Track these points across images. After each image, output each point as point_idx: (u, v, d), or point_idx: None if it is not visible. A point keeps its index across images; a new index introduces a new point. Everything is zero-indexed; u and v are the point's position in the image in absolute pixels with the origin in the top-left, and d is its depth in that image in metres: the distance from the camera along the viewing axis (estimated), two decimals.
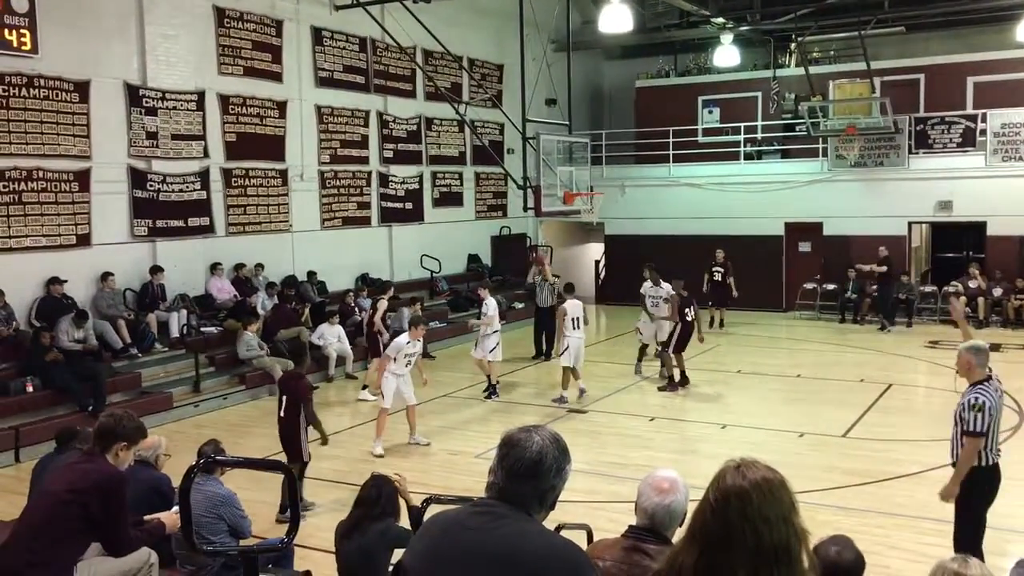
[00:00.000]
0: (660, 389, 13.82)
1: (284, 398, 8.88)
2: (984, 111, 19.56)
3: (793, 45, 22.87)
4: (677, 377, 13.82)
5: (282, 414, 8.81)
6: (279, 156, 16.69)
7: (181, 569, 5.86)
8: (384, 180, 19.15)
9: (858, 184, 20.62)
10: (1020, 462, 9.77)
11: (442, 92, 18.34)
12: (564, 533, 3.22)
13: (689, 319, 13.67)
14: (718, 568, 2.17)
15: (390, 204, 19.30)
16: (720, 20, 20.50)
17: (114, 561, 4.74)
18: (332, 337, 15.27)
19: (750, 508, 2.16)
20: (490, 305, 13.74)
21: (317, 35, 17.36)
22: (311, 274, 17.05)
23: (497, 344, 13.63)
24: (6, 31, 12.22)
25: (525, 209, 15.95)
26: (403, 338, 10.96)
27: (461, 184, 21.48)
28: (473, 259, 21.88)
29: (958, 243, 21.23)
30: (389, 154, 19.23)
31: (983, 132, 19.47)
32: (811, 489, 9.09)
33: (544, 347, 16.77)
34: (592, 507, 8.30)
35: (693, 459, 10.00)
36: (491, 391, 13.64)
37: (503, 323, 19.63)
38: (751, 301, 19.84)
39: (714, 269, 19.06)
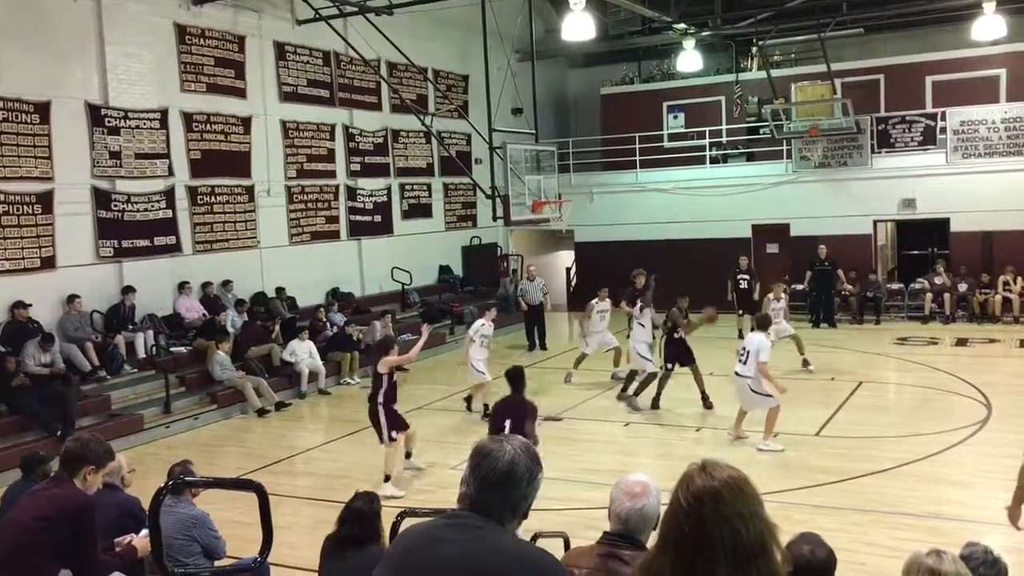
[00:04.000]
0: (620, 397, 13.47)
1: (508, 421, 8.16)
2: (943, 109, 19.85)
3: (754, 49, 23.09)
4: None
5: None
6: (245, 172, 16.58)
7: None
8: (352, 193, 19.09)
9: (823, 185, 20.84)
10: (987, 455, 9.97)
11: (408, 104, 18.35)
12: (541, 541, 3.22)
13: (677, 336, 13.06)
14: (697, 572, 2.16)
15: (359, 217, 19.24)
16: (682, 26, 20.68)
17: None
18: (303, 353, 15.16)
19: (725, 507, 2.15)
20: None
21: (280, 50, 17.30)
22: (280, 290, 16.95)
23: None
24: None
25: (495, 219, 16.00)
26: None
27: (430, 195, 21.46)
28: (444, 270, 21.86)
29: (923, 240, 21.50)
30: (356, 167, 19.18)
31: (943, 130, 19.76)
32: (786, 488, 9.16)
33: (537, 340, 18.46)
34: (568, 515, 8.30)
35: (668, 463, 10.02)
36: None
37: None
38: (720, 303, 19.89)
39: (739, 277, 18.43)
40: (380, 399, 9.89)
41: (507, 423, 8.14)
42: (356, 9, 16.39)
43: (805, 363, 14.95)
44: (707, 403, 12.75)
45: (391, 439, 9.87)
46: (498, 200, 15.21)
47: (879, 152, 20.49)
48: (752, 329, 12.62)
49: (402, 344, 16.91)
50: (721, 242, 20.99)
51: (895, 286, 20.58)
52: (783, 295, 15.93)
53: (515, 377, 8.69)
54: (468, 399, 13.34)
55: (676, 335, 12.73)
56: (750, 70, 23.51)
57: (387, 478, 9.73)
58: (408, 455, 10.49)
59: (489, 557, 2.45)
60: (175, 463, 6.38)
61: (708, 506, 2.16)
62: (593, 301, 15.12)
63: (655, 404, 12.93)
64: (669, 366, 12.81)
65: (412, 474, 10.40)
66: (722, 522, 2.14)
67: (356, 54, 17.12)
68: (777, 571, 2.18)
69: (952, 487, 9.12)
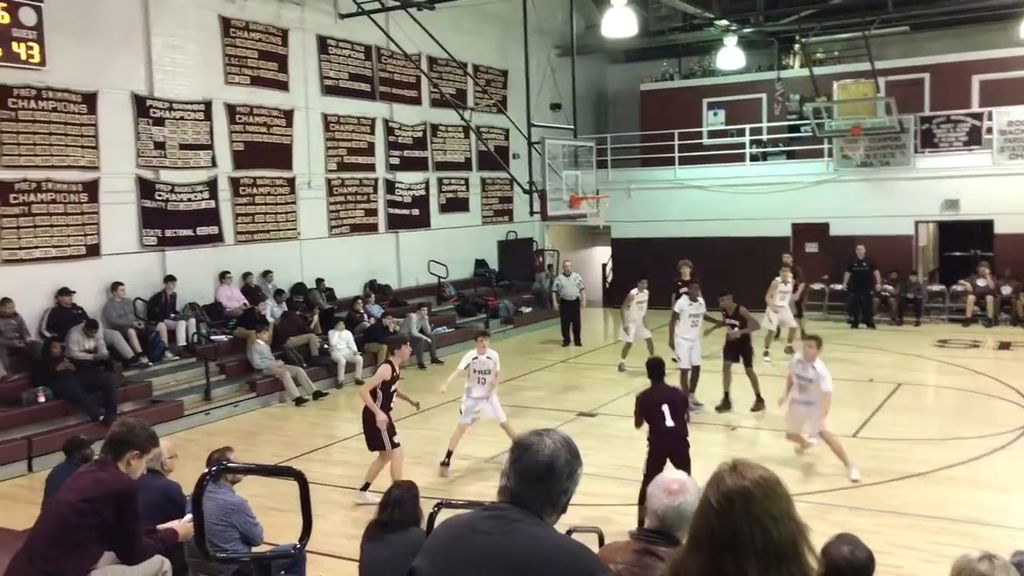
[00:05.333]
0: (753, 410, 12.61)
1: (666, 408, 8.14)
2: (990, 109, 19.53)
3: (797, 46, 22.84)
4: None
5: (671, 423, 8.11)
6: (286, 164, 16.75)
7: None
8: (391, 187, 19.20)
9: (864, 184, 20.59)
10: None
11: (447, 98, 18.40)
12: (575, 536, 3.24)
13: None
14: (727, 572, 2.17)
15: (397, 210, 19.36)
16: (724, 22, 20.52)
17: (128, 569, 4.76)
18: (341, 343, 15.32)
19: (755, 507, 2.16)
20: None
21: (323, 44, 17.43)
22: (319, 281, 17.11)
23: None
24: (15, 44, 12.29)
25: (531, 213, 15.99)
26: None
27: (467, 189, 21.53)
28: (480, 264, 21.93)
29: (966, 242, 21.16)
30: (395, 161, 19.29)
31: (989, 130, 19.44)
32: (822, 489, 9.10)
33: (572, 335, 18.39)
34: (602, 510, 8.31)
35: (703, 461, 9.96)
36: None
37: (510, 328, 19.83)
38: (758, 303, 19.76)
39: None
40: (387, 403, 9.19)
41: (665, 408, 8.07)
42: (398, 3, 16.49)
43: (789, 350, 14.79)
44: (759, 405, 12.32)
45: (394, 444, 9.14)
46: (535, 195, 15.21)
47: (922, 152, 20.20)
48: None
49: (435, 337, 17.16)
50: (760, 241, 20.82)
51: (936, 288, 20.28)
52: (791, 279, 15.92)
53: (655, 368, 8.51)
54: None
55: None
56: (792, 67, 23.29)
57: (366, 486, 9.20)
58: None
59: (528, 550, 2.47)
60: (214, 450, 6.49)
61: (738, 506, 2.17)
62: (633, 291, 15.22)
63: (726, 403, 12.61)
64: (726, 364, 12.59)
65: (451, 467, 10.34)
66: (752, 522, 2.15)
67: (397, 48, 17.20)
68: (808, 573, 2.18)
69: (992, 492, 9.00)
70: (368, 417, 9.12)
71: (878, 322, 19.41)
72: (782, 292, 15.84)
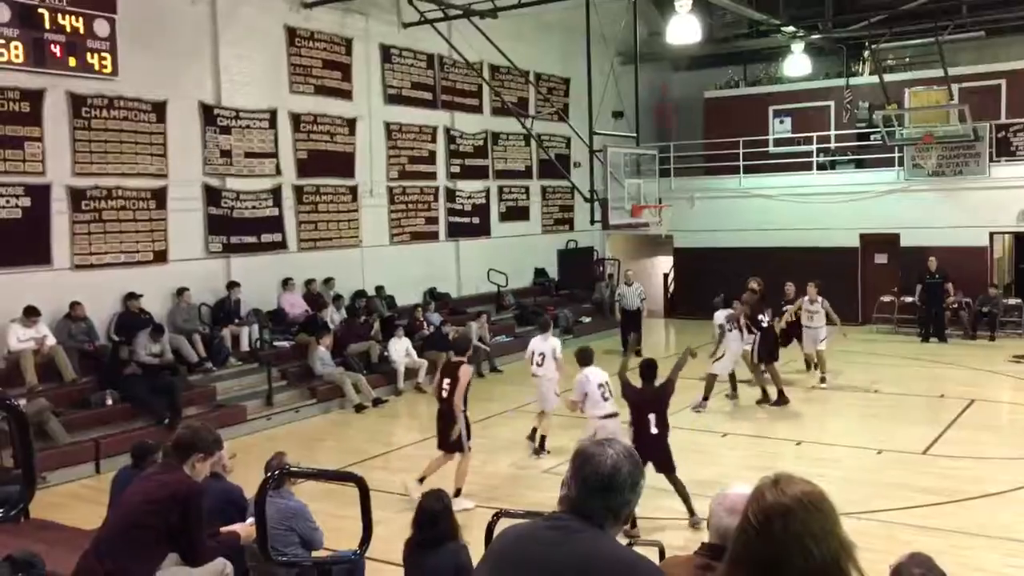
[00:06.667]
0: (758, 402, 13.52)
1: (653, 417, 8.64)
2: None
3: (867, 53, 22.34)
4: (773, 394, 13.38)
5: (654, 431, 8.65)
6: (349, 173, 16.91)
7: None
8: (451, 195, 19.27)
9: (936, 194, 20.06)
10: None
11: (508, 107, 18.41)
12: (636, 549, 3.16)
13: (765, 325, 13.42)
14: None
15: (457, 219, 19.42)
16: (791, 29, 20.19)
17: (191, 571, 4.81)
18: (401, 350, 15.39)
19: (795, 524, 2.07)
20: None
21: (386, 52, 17.59)
22: (379, 288, 17.22)
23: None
24: (88, 55, 12.64)
25: (592, 222, 15.89)
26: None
27: (528, 198, 21.51)
28: (539, 273, 21.87)
29: None
30: (456, 169, 19.36)
31: None
32: (890, 508, 8.83)
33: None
34: (662, 524, 8.18)
35: (759, 475, 9.76)
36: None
37: (569, 338, 19.71)
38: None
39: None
40: (464, 406, 9.42)
41: (652, 417, 8.48)
42: (461, 12, 16.55)
43: (822, 379, 14.61)
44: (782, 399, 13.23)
45: (468, 448, 9.42)
46: (597, 204, 15.10)
47: (998, 161, 19.64)
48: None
49: (493, 346, 17.12)
50: (827, 251, 20.41)
51: (1012, 301, 19.65)
52: (819, 297, 14.77)
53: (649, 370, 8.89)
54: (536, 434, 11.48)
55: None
56: (861, 74, 22.80)
57: (458, 492, 9.19)
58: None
59: (590, 561, 2.42)
60: (271, 456, 6.53)
61: (777, 524, 2.08)
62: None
63: (781, 398, 13.39)
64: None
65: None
66: (790, 540, 2.06)
67: (459, 57, 17.27)
68: None
69: None
70: (449, 417, 9.35)
71: (950, 336, 18.86)
72: (808, 312, 14.69)
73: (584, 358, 9.75)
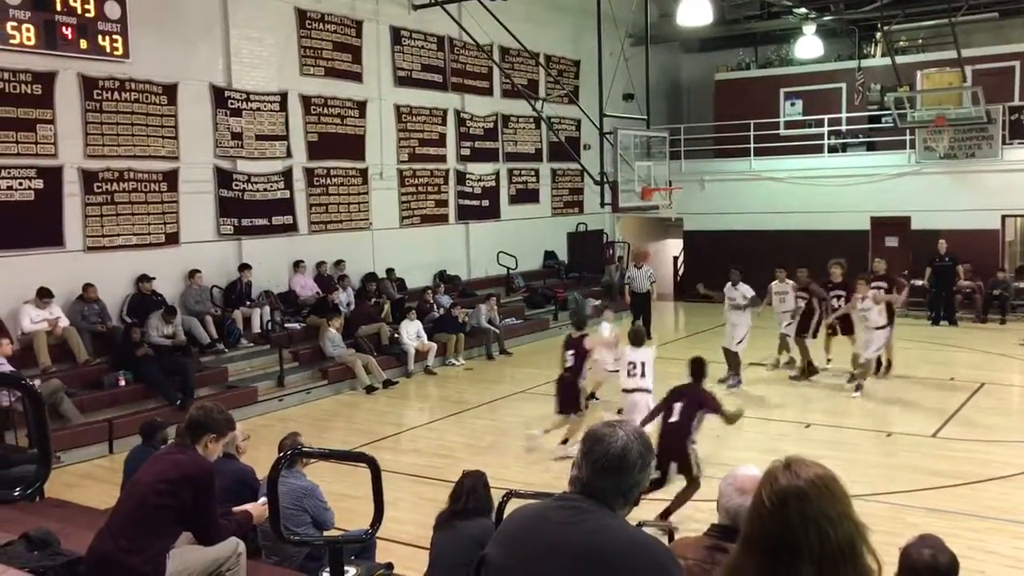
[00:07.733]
0: (792, 378, 13.93)
1: (678, 405, 8.41)
2: None
3: (878, 34, 22.20)
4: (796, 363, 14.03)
5: (675, 418, 8.38)
6: (359, 155, 16.92)
7: (266, 560, 5.99)
8: (461, 178, 19.27)
9: (948, 177, 19.95)
10: None
11: (519, 89, 18.37)
12: (645, 530, 3.19)
13: (837, 305, 13.65)
14: (780, 574, 2.10)
15: (467, 201, 19.42)
16: (802, 10, 20.08)
17: (204, 550, 4.86)
18: (412, 333, 15.45)
19: (810, 507, 2.08)
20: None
21: (396, 35, 17.55)
22: (390, 271, 17.27)
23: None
24: (100, 37, 12.65)
25: (602, 205, 15.91)
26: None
27: (537, 181, 21.48)
28: (549, 255, 21.87)
29: None
30: (466, 152, 19.34)
31: None
32: (900, 490, 8.85)
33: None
34: (662, 504, 8.20)
35: (775, 458, 9.77)
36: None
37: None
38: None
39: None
40: (583, 375, 10.53)
41: (677, 405, 8.27)
42: None
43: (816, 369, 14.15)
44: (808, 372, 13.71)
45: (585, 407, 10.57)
46: (607, 186, 15.10)
47: (1011, 143, 19.48)
48: None
49: (503, 329, 17.17)
50: (837, 234, 20.33)
51: (1023, 284, 19.56)
52: (869, 292, 13.03)
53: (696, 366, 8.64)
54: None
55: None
56: (873, 56, 22.65)
57: (565, 440, 10.20)
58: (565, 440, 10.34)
59: (601, 541, 2.44)
60: (285, 436, 6.58)
61: (792, 507, 2.09)
62: (772, 284, 14.28)
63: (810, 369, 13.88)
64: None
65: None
66: (807, 523, 2.07)
67: (470, 39, 17.22)
68: (867, 574, 2.10)
69: None
70: (569, 381, 10.35)
71: (961, 319, 18.81)
72: (861, 311, 13.07)
73: (636, 339, 10.17)
